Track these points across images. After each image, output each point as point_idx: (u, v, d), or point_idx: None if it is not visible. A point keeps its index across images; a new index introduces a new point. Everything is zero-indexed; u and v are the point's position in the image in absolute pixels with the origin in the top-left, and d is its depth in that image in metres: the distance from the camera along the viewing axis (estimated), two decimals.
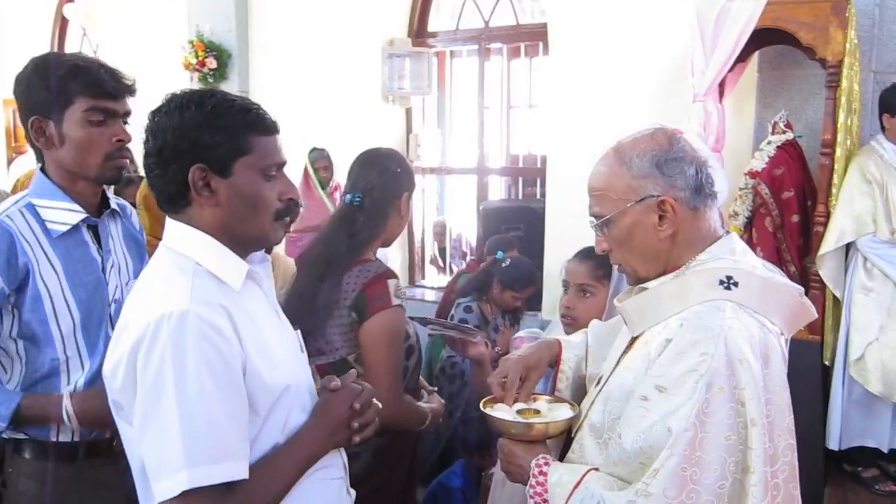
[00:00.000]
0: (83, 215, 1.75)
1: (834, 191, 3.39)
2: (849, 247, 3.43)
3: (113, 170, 1.76)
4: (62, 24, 7.79)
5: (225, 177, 1.32)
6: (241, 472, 1.24)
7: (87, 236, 1.78)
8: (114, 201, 1.88)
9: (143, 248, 1.97)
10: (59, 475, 1.71)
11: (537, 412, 1.57)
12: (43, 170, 1.77)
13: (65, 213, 1.73)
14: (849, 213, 3.35)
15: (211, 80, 5.64)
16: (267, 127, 1.37)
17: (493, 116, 5.69)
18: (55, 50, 7.95)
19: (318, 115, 5.32)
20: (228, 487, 1.23)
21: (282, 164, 1.40)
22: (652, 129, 1.44)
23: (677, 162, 1.38)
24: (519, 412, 1.57)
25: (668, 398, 1.26)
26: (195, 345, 1.20)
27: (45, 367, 1.71)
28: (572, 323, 2.15)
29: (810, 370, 3.25)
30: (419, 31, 5.72)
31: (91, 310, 1.74)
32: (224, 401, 1.22)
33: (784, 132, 3.54)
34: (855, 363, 3.42)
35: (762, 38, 3.43)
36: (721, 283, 1.34)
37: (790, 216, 3.50)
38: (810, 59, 3.49)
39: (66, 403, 1.68)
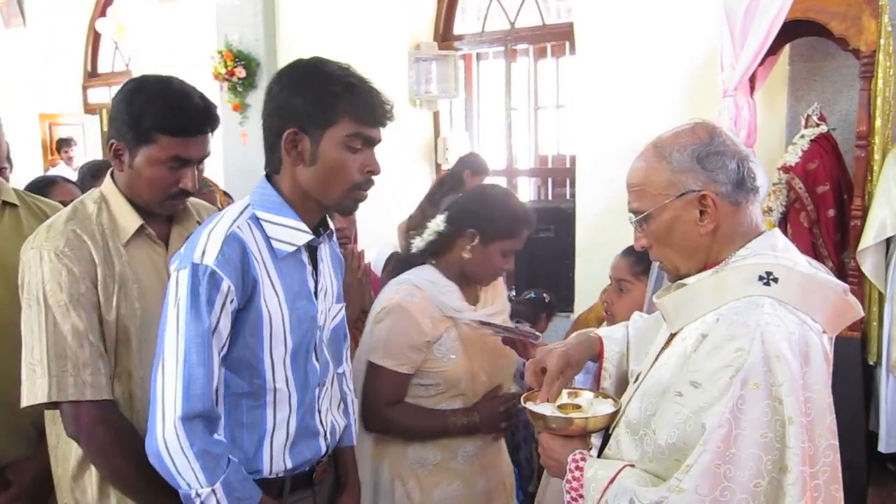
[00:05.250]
0: (310, 236, 1.58)
1: (869, 185, 3.33)
2: (889, 241, 3.36)
3: (352, 201, 1.60)
4: (95, 38, 7.95)
5: None
6: None
7: (305, 258, 1.62)
8: (331, 222, 1.73)
9: (342, 268, 1.85)
10: None
11: (578, 407, 1.57)
12: (269, 178, 1.60)
13: (292, 233, 1.56)
14: (887, 207, 3.27)
15: (240, 90, 5.70)
16: None
17: (520, 117, 5.67)
18: (88, 66, 8.11)
19: None
20: None
21: None
22: (692, 123, 1.42)
23: (718, 156, 1.36)
24: (560, 407, 1.57)
25: (701, 394, 1.25)
26: None
27: (244, 402, 1.56)
28: (612, 318, 2.16)
29: (851, 367, 3.18)
30: (445, 35, 5.72)
31: (302, 337, 1.60)
32: None
33: (817, 125, 3.48)
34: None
35: (793, 30, 3.37)
36: (760, 278, 1.31)
37: (826, 211, 3.43)
38: (843, 49, 3.42)
39: None
